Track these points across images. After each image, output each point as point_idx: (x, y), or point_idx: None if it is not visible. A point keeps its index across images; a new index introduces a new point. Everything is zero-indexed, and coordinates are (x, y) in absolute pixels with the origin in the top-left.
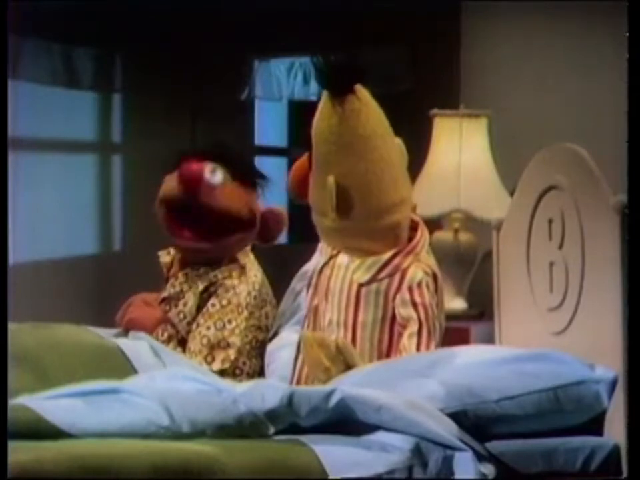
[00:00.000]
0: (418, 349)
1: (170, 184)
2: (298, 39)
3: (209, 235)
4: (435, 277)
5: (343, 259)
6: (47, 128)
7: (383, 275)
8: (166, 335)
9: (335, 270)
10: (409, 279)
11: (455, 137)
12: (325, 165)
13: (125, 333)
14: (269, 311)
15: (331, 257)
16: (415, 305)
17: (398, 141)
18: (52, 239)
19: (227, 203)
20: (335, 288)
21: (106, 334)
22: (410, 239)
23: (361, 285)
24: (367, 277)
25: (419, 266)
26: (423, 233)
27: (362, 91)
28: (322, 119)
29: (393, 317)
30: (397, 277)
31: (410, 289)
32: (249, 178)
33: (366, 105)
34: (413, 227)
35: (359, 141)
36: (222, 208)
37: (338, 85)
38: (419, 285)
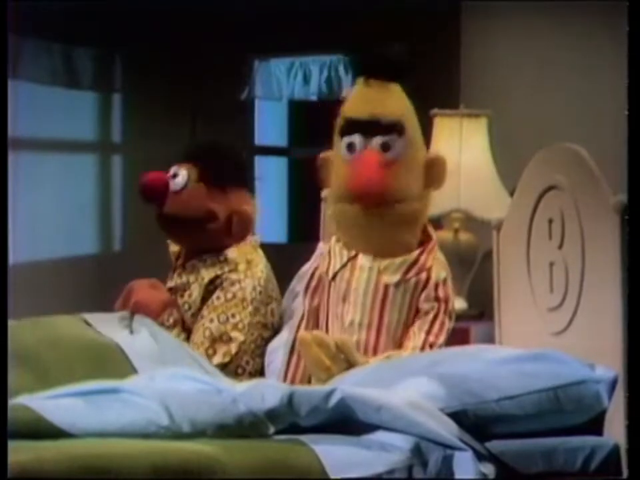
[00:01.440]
0: (427, 336)
1: None
2: (298, 39)
3: (177, 237)
4: (449, 273)
5: (364, 260)
6: (47, 128)
7: (411, 274)
8: (172, 319)
9: (356, 272)
10: (435, 277)
11: (455, 136)
12: None
13: (131, 315)
14: (275, 308)
15: (349, 260)
16: (437, 299)
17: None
18: (52, 239)
19: (187, 209)
20: (358, 289)
21: (109, 319)
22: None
23: (389, 286)
24: (396, 278)
25: (440, 264)
26: (433, 232)
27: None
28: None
29: (417, 316)
30: (423, 276)
31: (436, 286)
32: (217, 177)
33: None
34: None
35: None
36: (183, 215)
37: (383, 70)
38: (445, 281)
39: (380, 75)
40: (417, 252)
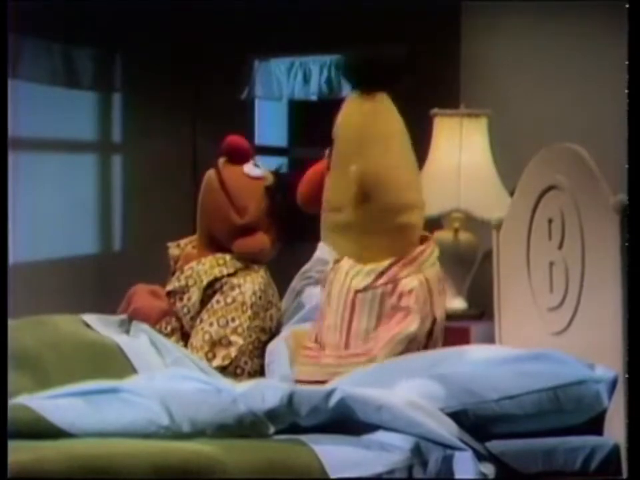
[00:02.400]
0: (376, 343)
1: None
2: (298, 38)
3: (207, 205)
4: (429, 289)
5: (344, 264)
6: (47, 128)
7: (379, 283)
8: (169, 327)
9: (337, 274)
10: (400, 287)
11: (455, 136)
12: (348, 160)
13: (129, 321)
14: (274, 313)
15: (335, 262)
16: (398, 308)
17: None
18: (52, 238)
19: (233, 183)
20: (334, 293)
21: (109, 322)
22: None
23: (357, 292)
24: (363, 284)
25: (416, 277)
26: (429, 247)
27: (384, 94)
28: (349, 116)
29: None
30: (390, 286)
31: (400, 295)
32: (282, 212)
33: (390, 106)
34: (422, 242)
35: (383, 137)
36: (228, 183)
37: (370, 79)
38: (410, 292)
39: (360, 86)
40: (388, 262)
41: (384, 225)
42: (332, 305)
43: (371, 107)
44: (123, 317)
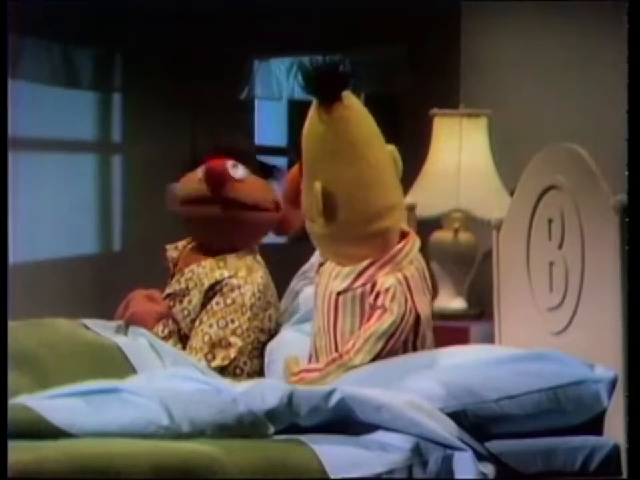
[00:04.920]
0: (353, 345)
1: (192, 183)
2: (298, 39)
3: (238, 230)
4: (408, 287)
5: (327, 267)
6: (47, 128)
7: (358, 284)
8: (167, 330)
9: (321, 277)
10: (378, 286)
11: (455, 136)
12: (312, 171)
13: (126, 326)
14: (273, 313)
15: (320, 265)
16: (375, 307)
17: (391, 148)
18: (52, 239)
19: (253, 196)
20: (320, 295)
21: (107, 327)
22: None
23: (338, 294)
24: (343, 286)
25: (393, 276)
26: (407, 244)
27: (350, 98)
28: (310, 126)
29: None
30: (369, 286)
31: (377, 294)
32: (265, 170)
33: (355, 112)
34: (402, 237)
35: (346, 147)
36: (249, 201)
37: (324, 92)
38: (387, 290)
39: (318, 98)
40: (365, 263)
41: (357, 234)
42: (319, 307)
43: (328, 117)
44: (121, 322)
